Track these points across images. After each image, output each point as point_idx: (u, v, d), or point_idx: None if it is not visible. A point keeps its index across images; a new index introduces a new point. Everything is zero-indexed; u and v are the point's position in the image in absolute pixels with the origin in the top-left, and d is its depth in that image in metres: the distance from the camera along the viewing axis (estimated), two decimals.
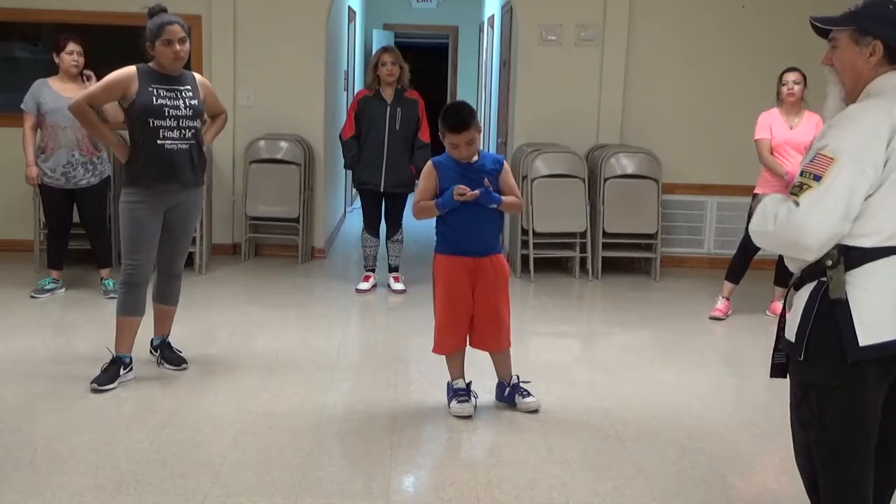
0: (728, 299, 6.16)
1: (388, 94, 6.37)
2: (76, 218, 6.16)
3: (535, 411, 4.24)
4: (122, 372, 4.42)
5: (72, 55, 5.88)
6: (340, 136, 6.62)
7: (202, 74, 5.74)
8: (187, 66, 4.57)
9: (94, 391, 4.29)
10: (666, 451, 3.89)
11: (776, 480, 3.73)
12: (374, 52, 11.82)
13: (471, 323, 4.21)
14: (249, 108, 7.51)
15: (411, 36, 13.44)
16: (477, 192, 4.02)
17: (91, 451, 3.66)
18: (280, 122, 7.54)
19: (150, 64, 4.39)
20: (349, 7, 9.68)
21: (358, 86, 11.06)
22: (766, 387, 4.92)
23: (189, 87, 4.47)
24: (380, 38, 11.96)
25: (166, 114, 4.34)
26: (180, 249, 4.65)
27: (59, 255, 6.16)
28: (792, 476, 3.73)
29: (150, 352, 4.77)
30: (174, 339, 4.78)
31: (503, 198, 4.14)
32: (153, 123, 4.32)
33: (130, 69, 4.36)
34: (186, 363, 4.70)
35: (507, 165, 4.27)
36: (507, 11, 8.34)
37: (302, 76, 7.56)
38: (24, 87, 5.99)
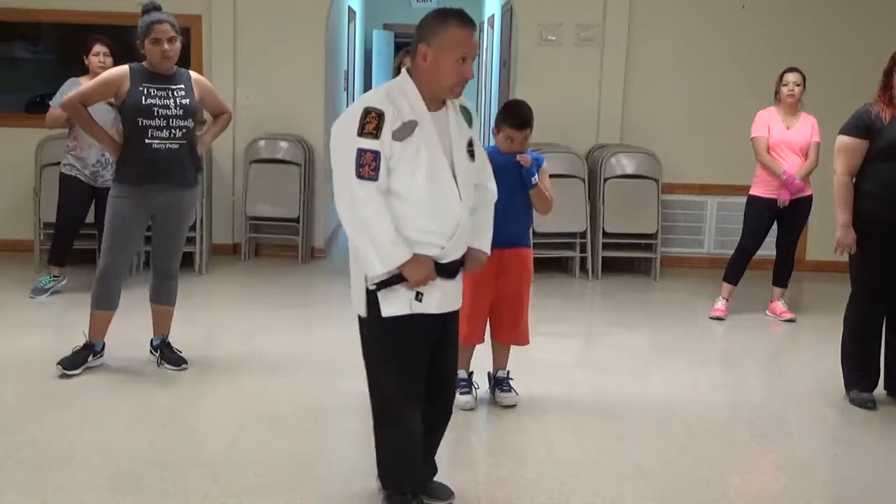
0: (727, 300, 6.16)
1: None
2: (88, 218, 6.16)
3: (511, 406, 4.26)
4: (90, 359, 4.55)
5: (98, 56, 5.92)
6: None
7: (202, 74, 5.72)
8: (186, 65, 4.57)
9: (62, 376, 4.43)
10: (666, 451, 3.89)
11: (776, 480, 3.73)
12: (373, 51, 11.91)
13: (492, 313, 4.24)
14: (249, 108, 7.50)
15: (411, 36, 13.41)
16: (528, 157, 4.10)
17: (91, 451, 3.66)
18: (280, 122, 7.54)
19: (144, 63, 4.41)
20: (349, 7, 9.68)
21: (358, 86, 11.07)
22: (766, 387, 4.90)
23: (182, 86, 4.46)
24: (380, 38, 11.98)
25: (155, 113, 4.34)
26: (174, 250, 4.64)
27: (64, 254, 6.15)
28: (792, 476, 3.75)
29: (150, 352, 4.77)
30: (174, 340, 4.78)
31: (540, 182, 4.18)
32: (142, 122, 4.33)
33: (123, 68, 4.40)
34: (187, 363, 4.69)
35: (545, 165, 4.29)
36: (507, 11, 8.34)
37: (302, 76, 7.55)
38: (25, 88, 5.99)
